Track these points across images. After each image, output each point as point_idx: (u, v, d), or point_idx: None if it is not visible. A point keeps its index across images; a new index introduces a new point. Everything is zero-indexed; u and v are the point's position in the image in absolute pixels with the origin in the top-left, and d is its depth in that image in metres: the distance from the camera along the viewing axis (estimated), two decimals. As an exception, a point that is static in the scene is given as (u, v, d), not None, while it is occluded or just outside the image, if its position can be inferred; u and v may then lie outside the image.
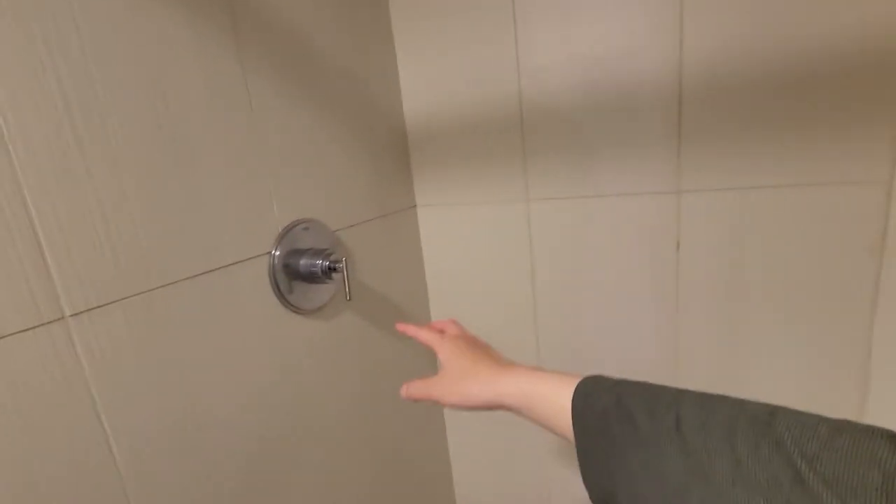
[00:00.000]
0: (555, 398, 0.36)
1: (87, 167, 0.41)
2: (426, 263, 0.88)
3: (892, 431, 0.23)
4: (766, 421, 0.25)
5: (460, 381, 0.43)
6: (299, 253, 0.60)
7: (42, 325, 0.38)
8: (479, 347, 0.48)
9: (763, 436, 0.25)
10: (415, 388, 0.47)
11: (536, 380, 0.39)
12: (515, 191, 0.76)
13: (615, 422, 0.32)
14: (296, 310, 0.61)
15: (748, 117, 0.59)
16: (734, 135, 0.60)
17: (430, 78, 0.77)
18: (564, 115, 0.69)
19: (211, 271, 0.51)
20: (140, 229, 0.45)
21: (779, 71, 0.56)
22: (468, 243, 0.83)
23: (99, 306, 0.42)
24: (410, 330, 0.54)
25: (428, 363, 0.89)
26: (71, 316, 0.40)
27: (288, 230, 0.60)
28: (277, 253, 0.58)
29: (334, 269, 0.59)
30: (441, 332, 0.53)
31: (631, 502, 0.30)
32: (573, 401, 0.35)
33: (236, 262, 0.54)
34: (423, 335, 0.52)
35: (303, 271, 0.60)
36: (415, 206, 0.85)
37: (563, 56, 0.67)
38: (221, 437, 0.52)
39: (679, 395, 0.31)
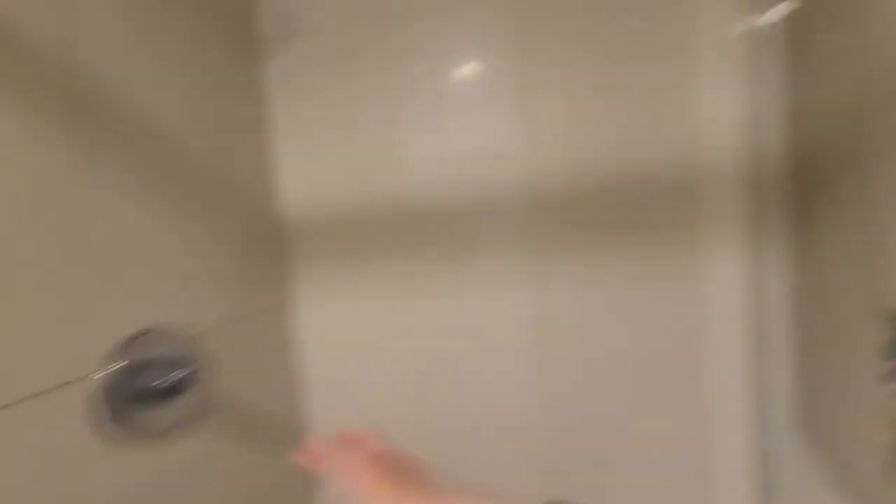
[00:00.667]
0: None
1: None
2: (308, 363, 0.81)
3: None
4: None
5: None
6: (144, 366, 0.51)
7: None
8: (403, 471, 0.41)
9: None
10: None
11: None
12: (395, 287, 0.76)
13: None
14: (130, 438, 0.50)
15: (594, 221, 0.68)
16: (582, 235, 0.69)
17: (312, 176, 0.77)
18: (435, 214, 0.73)
19: (23, 400, 0.40)
20: None
21: (617, 181, 0.67)
22: (350, 340, 0.79)
23: None
24: (305, 459, 0.44)
25: (305, 483, 0.78)
26: None
27: (132, 340, 0.51)
28: (116, 368, 0.49)
29: (188, 383, 0.51)
30: (354, 443, 0.45)
31: None
32: None
33: (53, 388, 0.43)
34: (325, 465, 0.43)
35: (145, 389, 0.50)
36: (292, 303, 0.79)
37: (433, 155, 0.72)
38: None
39: None
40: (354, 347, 0.79)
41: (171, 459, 0.55)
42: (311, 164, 0.77)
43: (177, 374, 0.51)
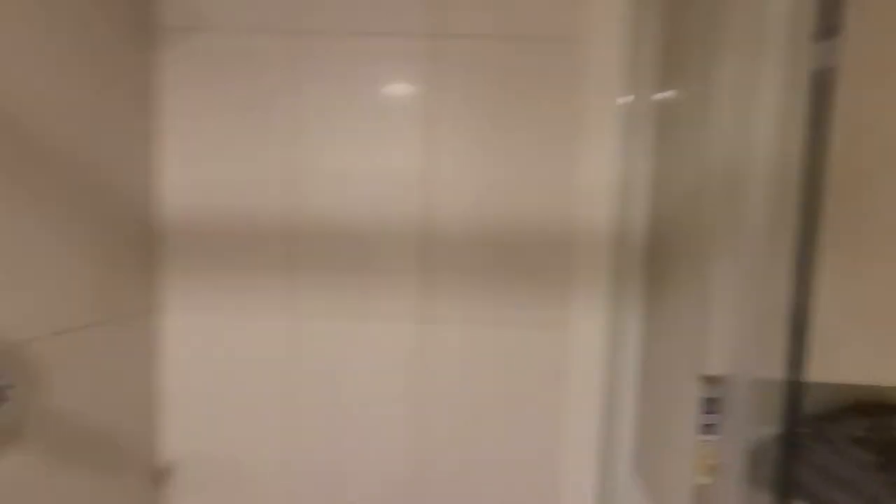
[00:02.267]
0: None
1: None
2: (165, 380, 0.74)
3: None
4: None
5: None
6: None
7: None
8: None
9: None
10: None
11: None
12: (275, 304, 0.73)
13: None
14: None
15: (481, 264, 0.71)
16: (469, 275, 0.72)
17: (197, 180, 0.72)
18: (329, 233, 0.72)
19: None
20: None
21: (502, 230, 0.71)
22: (217, 358, 0.74)
23: None
24: None
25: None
26: None
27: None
28: None
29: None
30: None
31: None
32: None
33: None
34: None
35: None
36: (153, 311, 0.73)
37: (334, 172, 0.71)
38: None
39: None
40: (220, 364, 0.74)
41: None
42: (197, 168, 0.72)
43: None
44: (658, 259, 0.66)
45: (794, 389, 0.39)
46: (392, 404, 0.73)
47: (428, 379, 0.73)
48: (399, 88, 0.71)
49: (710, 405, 0.56)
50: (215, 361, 0.74)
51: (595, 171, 0.69)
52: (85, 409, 0.61)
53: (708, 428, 0.56)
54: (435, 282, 0.71)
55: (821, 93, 0.36)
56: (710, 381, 0.54)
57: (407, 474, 0.74)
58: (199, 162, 0.72)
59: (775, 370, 0.39)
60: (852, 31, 0.37)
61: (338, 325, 0.72)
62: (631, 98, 0.68)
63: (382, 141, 0.71)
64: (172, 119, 0.71)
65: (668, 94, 0.65)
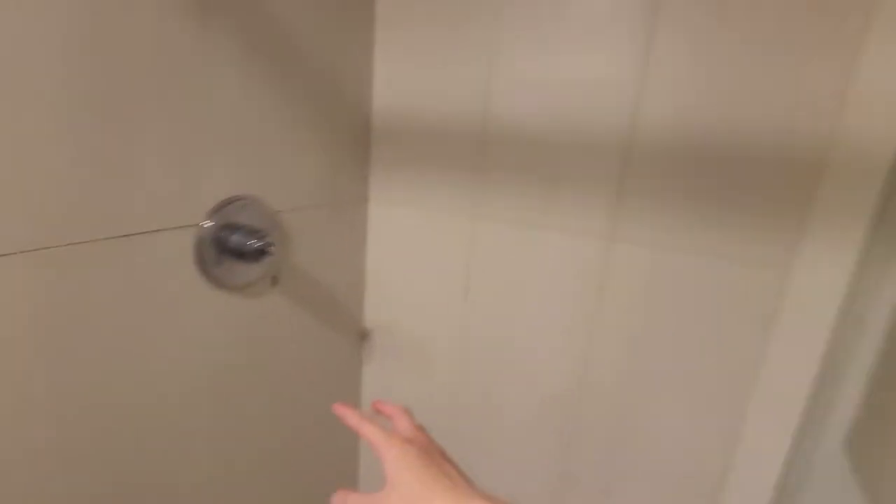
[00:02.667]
0: None
1: (6, 103, 0.40)
2: (368, 259, 0.88)
3: None
4: None
5: None
6: (233, 229, 0.60)
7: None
8: (434, 463, 0.38)
9: None
10: (352, 502, 0.38)
11: None
12: (464, 205, 0.77)
13: None
14: (219, 284, 0.61)
15: (685, 182, 0.62)
16: (670, 196, 0.63)
17: (405, 80, 0.78)
18: (523, 140, 0.71)
19: (131, 236, 0.50)
20: (55, 180, 0.44)
21: (719, 146, 0.60)
22: (413, 247, 0.84)
23: (4, 254, 0.41)
24: (350, 417, 0.42)
25: (351, 366, 0.90)
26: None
27: (225, 204, 0.59)
28: (208, 225, 0.58)
29: (265, 252, 0.59)
30: (388, 419, 0.44)
31: None
32: None
33: (160, 230, 0.53)
34: (367, 431, 0.40)
35: (233, 248, 0.60)
36: (367, 199, 0.85)
37: (532, 78, 0.68)
38: (124, 397, 0.52)
39: None
40: (414, 256, 0.84)
41: (248, 311, 0.66)
42: (407, 68, 0.77)
43: (259, 241, 0.59)
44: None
45: None
46: (562, 318, 0.74)
47: (605, 300, 0.70)
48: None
49: None
50: (408, 249, 0.84)
51: (880, 81, 0.51)
52: (314, 273, 0.77)
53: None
54: (630, 199, 0.65)
55: None
56: None
57: (566, 397, 0.76)
58: (408, 62, 0.77)
59: None
60: None
61: (519, 232, 0.74)
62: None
63: (597, 34, 0.64)
64: (387, 20, 0.76)
65: None
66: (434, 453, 0.40)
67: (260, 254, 0.59)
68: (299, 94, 0.67)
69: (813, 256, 0.57)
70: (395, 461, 0.38)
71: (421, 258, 0.83)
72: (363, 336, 0.91)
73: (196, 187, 0.56)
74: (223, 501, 0.68)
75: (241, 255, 0.60)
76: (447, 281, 0.81)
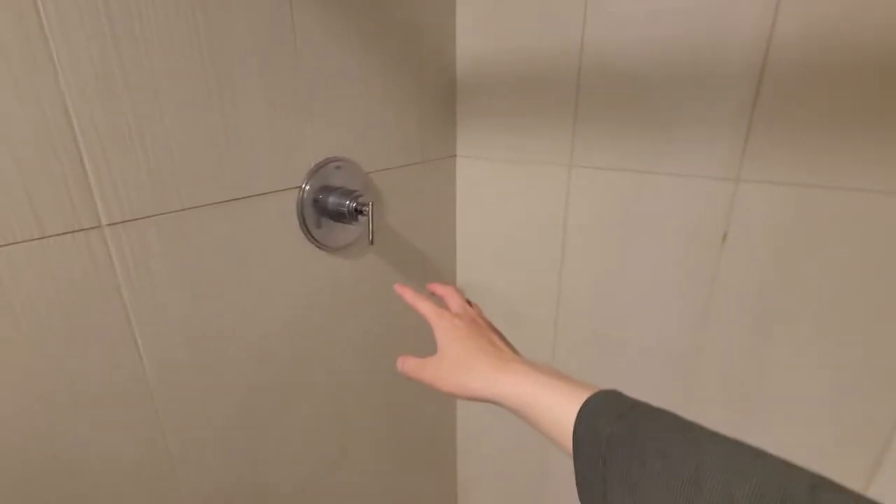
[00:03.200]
0: (557, 412, 0.32)
1: (127, 82, 0.42)
2: (458, 216, 0.87)
3: None
4: (805, 501, 0.22)
5: (456, 370, 0.39)
6: (329, 190, 0.61)
7: (82, 230, 0.41)
8: (480, 333, 0.42)
9: None
10: (409, 366, 0.43)
11: (540, 387, 0.34)
12: (560, 154, 0.72)
13: (620, 456, 0.27)
14: (320, 245, 0.63)
15: (831, 107, 0.52)
16: (813, 124, 0.53)
17: (489, 23, 0.72)
18: (628, 76, 0.63)
19: (241, 199, 0.52)
20: (175, 150, 0.46)
21: (873, 62, 0.48)
22: (504, 201, 0.80)
23: (133, 219, 0.44)
24: (408, 295, 0.47)
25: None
26: (107, 225, 0.43)
27: (320, 167, 0.60)
28: (307, 188, 0.59)
29: (361, 212, 0.60)
30: (441, 298, 0.48)
31: None
32: (576, 423, 0.30)
33: (266, 193, 0.55)
34: (421, 306, 0.46)
35: (330, 209, 0.61)
36: (455, 155, 0.83)
37: (636, 8, 0.60)
38: (239, 356, 0.56)
39: (703, 440, 0.27)
40: (506, 212, 0.81)
41: (348, 271, 0.68)
42: (491, 9, 0.71)
43: (354, 202, 0.59)
44: None
45: None
46: (675, 273, 0.67)
47: (728, 251, 0.62)
48: None
49: None
50: (499, 204, 0.81)
51: None
52: (406, 232, 0.77)
53: None
54: (762, 132, 0.56)
55: None
56: None
57: (679, 361, 0.70)
58: (490, 10, 0.71)
59: None
60: None
61: (623, 179, 0.67)
62: None
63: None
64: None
65: None
66: (481, 325, 0.44)
67: (356, 214, 0.60)
68: (382, 47, 0.65)
69: None
70: (445, 332, 0.42)
71: (513, 212, 0.80)
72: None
73: (296, 151, 0.57)
74: (332, 442, 0.73)
75: (339, 216, 0.61)
76: (542, 235, 0.77)
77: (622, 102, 0.65)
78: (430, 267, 0.84)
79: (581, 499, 0.30)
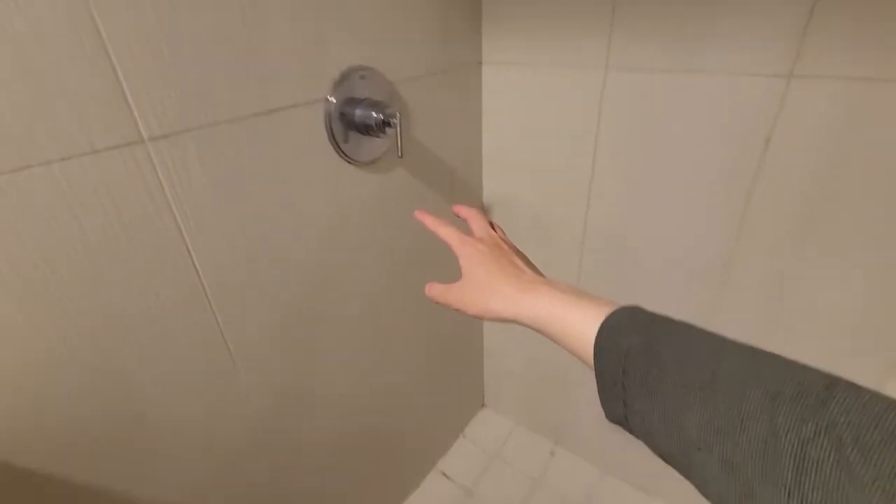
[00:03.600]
0: (579, 328, 0.33)
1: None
2: (484, 126, 0.85)
3: None
4: (820, 397, 0.22)
5: (480, 293, 0.40)
6: (355, 102, 0.60)
7: (126, 144, 0.43)
8: (503, 256, 0.42)
9: (813, 413, 0.21)
10: (436, 291, 0.44)
11: (561, 305, 0.35)
12: (594, 55, 0.68)
13: (639, 365, 0.28)
14: (349, 160, 0.63)
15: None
16: (879, 16, 0.48)
17: None
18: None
19: (271, 112, 0.53)
20: (205, 64, 0.46)
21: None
22: (532, 110, 0.78)
23: (172, 133, 0.46)
24: (429, 221, 0.47)
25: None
26: (149, 140, 0.44)
27: (345, 77, 0.59)
28: (333, 100, 0.58)
29: (388, 124, 0.59)
30: (464, 221, 0.48)
31: (648, 442, 0.28)
32: (597, 337, 0.31)
33: (295, 105, 0.55)
34: (443, 232, 0.45)
35: (357, 122, 0.60)
36: (480, 62, 0.79)
37: None
38: (280, 267, 0.60)
39: (721, 348, 0.27)
40: (534, 121, 0.78)
41: (378, 185, 0.69)
42: None
43: (381, 114, 0.59)
44: None
45: None
46: (714, 181, 0.65)
47: (772, 156, 0.60)
48: None
49: None
50: (527, 113, 0.79)
51: None
52: (433, 144, 0.76)
53: None
54: (824, 18, 0.51)
55: None
56: None
57: (714, 274, 0.70)
58: None
59: None
60: None
61: (660, 79, 0.64)
62: None
63: None
64: None
65: None
66: (504, 249, 0.44)
67: (384, 126, 0.59)
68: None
69: None
70: (469, 257, 0.42)
71: (541, 122, 0.78)
72: (483, 208, 0.92)
73: (319, 61, 0.56)
74: (368, 351, 0.80)
75: (366, 128, 0.61)
76: (572, 144, 0.76)
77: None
78: (457, 179, 0.84)
79: (604, 407, 0.31)
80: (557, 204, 0.82)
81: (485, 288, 0.40)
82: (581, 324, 0.33)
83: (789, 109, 0.56)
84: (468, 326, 1.06)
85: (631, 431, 0.30)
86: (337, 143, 0.61)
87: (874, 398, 0.21)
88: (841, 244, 0.59)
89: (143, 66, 0.42)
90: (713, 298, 0.72)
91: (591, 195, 0.78)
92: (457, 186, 0.84)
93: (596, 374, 0.31)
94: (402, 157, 0.62)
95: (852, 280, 0.60)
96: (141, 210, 0.45)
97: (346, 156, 0.62)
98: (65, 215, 0.41)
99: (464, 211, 0.49)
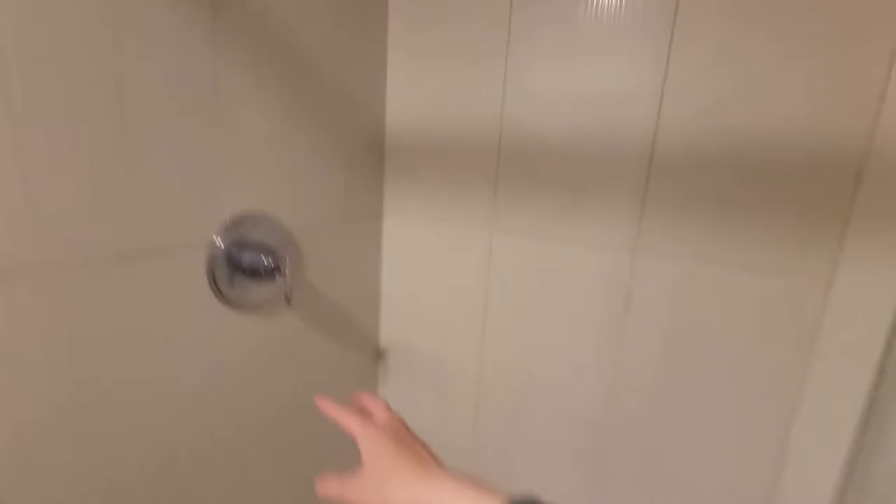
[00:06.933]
0: None
1: (26, 123, 0.39)
2: (383, 275, 0.86)
3: None
4: None
5: (381, 484, 0.39)
6: (245, 246, 0.58)
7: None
8: (404, 442, 0.42)
9: None
10: (330, 486, 0.42)
11: (462, 497, 0.36)
12: (482, 218, 0.75)
13: None
14: (231, 305, 0.59)
15: (710, 192, 0.60)
16: (695, 206, 0.61)
17: (418, 89, 0.77)
18: (541, 152, 0.69)
19: (144, 252, 0.49)
20: (69, 202, 0.43)
21: (745, 153, 0.57)
22: (429, 262, 0.82)
23: (23, 270, 0.40)
24: (330, 409, 0.45)
25: (366, 385, 0.87)
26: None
27: (238, 221, 0.58)
28: (221, 243, 0.56)
29: (278, 269, 0.58)
30: (366, 413, 0.46)
31: None
32: None
33: (174, 247, 0.52)
34: (344, 419, 0.44)
35: (245, 265, 0.58)
36: (381, 214, 0.84)
37: (549, 92, 0.67)
38: (129, 421, 0.50)
39: None
40: (430, 272, 0.82)
41: (262, 331, 0.64)
42: (420, 84, 0.76)
43: (272, 260, 0.57)
44: None
45: None
46: (587, 335, 0.70)
47: (632, 315, 0.67)
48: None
49: None
50: (424, 264, 0.82)
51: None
52: (328, 290, 0.75)
53: None
54: (656, 209, 0.63)
55: None
56: None
57: (594, 418, 0.72)
58: (421, 78, 0.76)
59: None
60: None
61: (540, 245, 0.71)
62: None
63: (616, 47, 0.62)
64: (399, 37, 0.76)
65: None
66: (406, 436, 0.44)
67: (273, 272, 0.58)
68: (310, 106, 0.66)
69: (855, 267, 0.54)
70: (369, 443, 0.42)
71: (437, 274, 0.81)
72: (378, 355, 0.89)
73: (208, 203, 0.55)
74: (235, 531, 0.66)
75: (254, 273, 0.58)
76: (465, 297, 0.79)
77: (538, 173, 0.70)
78: (353, 328, 0.81)
79: None
80: (453, 355, 0.82)
81: (387, 476, 0.40)
82: None
83: (638, 279, 0.65)
84: None
85: None
86: (218, 287, 0.57)
87: None
88: (699, 394, 0.64)
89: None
90: (597, 449, 0.72)
91: (483, 348, 0.79)
92: (352, 334, 0.81)
93: None
94: (289, 304, 0.59)
95: (717, 428, 0.64)
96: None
97: (227, 300, 0.58)
98: None
99: (366, 402, 0.48)
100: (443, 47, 0.73)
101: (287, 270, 0.57)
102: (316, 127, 0.67)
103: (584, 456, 0.73)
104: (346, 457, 0.76)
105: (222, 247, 0.56)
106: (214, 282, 0.56)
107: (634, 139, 0.63)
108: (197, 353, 0.56)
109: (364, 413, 0.46)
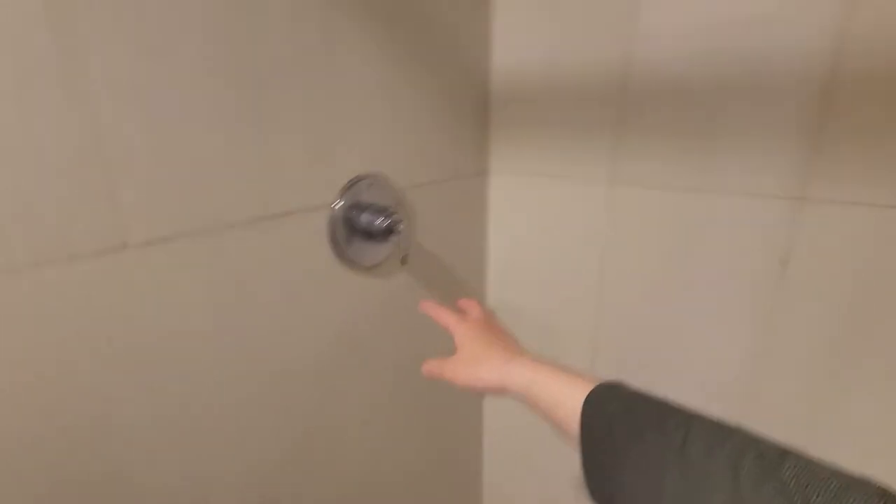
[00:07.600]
0: (564, 399, 0.37)
1: (156, 94, 0.41)
2: (490, 236, 0.84)
3: None
4: (775, 461, 0.25)
5: (471, 364, 0.45)
6: (361, 208, 0.59)
7: (107, 251, 0.40)
8: (493, 333, 0.49)
9: (769, 474, 0.25)
10: (432, 366, 0.49)
11: (547, 375, 0.39)
12: (600, 170, 0.68)
13: (622, 433, 0.32)
14: (351, 265, 0.60)
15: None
16: (887, 138, 0.49)
17: (528, 31, 0.70)
18: (675, 89, 0.60)
19: (272, 217, 0.51)
20: (207, 168, 0.45)
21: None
22: (538, 221, 0.77)
23: (163, 238, 0.43)
24: (431, 309, 0.54)
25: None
26: (135, 246, 0.41)
27: (353, 183, 0.58)
28: (339, 205, 0.57)
29: (393, 231, 0.57)
30: (463, 313, 0.54)
31: None
32: (584, 407, 0.35)
33: (298, 211, 0.53)
34: (442, 316, 0.52)
35: (362, 227, 0.58)
36: (487, 171, 0.80)
37: (687, 16, 0.57)
38: (272, 374, 0.54)
39: (692, 417, 0.31)
40: (541, 231, 0.77)
41: (379, 290, 0.65)
42: (531, 24, 0.69)
43: (387, 220, 0.57)
44: None
45: None
46: (729, 301, 0.62)
47: (791, 278, 0.57)
48: None
49: None
50: (534, 223, 0.78)
51: None
52: (436, 251, 0.74)
53: None
54: (821, 148, 0.52)
55: None
56: None
57: (733, 403, 0.65)
58: (529, 18, 0.69)
59: None
60: None
61: (666, 196, 0.63)
62: None
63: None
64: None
65: None
66: (495, 328, 0.51)
67: (388, 232, 0.57)
68: (415, 53, 0.63)
69: None
70: (462, 333, 0.49)
71: (547, 232, 0.76)
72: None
73: (327, 168, 0.55)
74: (362, 460, 0.70)
75: (370, 234, 0.59)
76: (579, 256, 0.74)
77: (671, 114, 0.61)
78: (460, 288, 0.81)
79: (586, 476, 0.34)
80: (566, 318, 0.78)
81: (476, 358, 0.46)
82: (561, 395, 0.37)
83: (804, 233, 0.55)
84: (466, 443, 0.96)
85: (611, 500, 0.32)
86: (340, 248, 0.58)
87: (819, 466, 0.25)
88: (876, 369, 0.54)
89: (137, 163, 0.41)
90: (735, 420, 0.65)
91: (601, 309, 0.74)
92: (459, 294, 0.81)
93: (580, 442, 0.34)
94: (405, 264, 0.59)
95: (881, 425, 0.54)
96: (115, 317, 0.41)
97: (348, 260, 0.60)
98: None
99: (463, 303, 0.57)
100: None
101: (402, 231, 0.57)
102: (421, 78, 0.64)
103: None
104: (453, 401, 0.76)
105: (340, 209, 0.57)
106: (335, 243, 0.57)
107: (807, 58, 0.51)
108: (324, 307, 0.58)
109: (461, 312, 0.54)
